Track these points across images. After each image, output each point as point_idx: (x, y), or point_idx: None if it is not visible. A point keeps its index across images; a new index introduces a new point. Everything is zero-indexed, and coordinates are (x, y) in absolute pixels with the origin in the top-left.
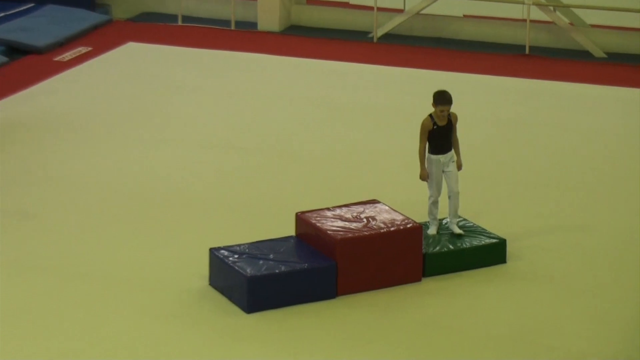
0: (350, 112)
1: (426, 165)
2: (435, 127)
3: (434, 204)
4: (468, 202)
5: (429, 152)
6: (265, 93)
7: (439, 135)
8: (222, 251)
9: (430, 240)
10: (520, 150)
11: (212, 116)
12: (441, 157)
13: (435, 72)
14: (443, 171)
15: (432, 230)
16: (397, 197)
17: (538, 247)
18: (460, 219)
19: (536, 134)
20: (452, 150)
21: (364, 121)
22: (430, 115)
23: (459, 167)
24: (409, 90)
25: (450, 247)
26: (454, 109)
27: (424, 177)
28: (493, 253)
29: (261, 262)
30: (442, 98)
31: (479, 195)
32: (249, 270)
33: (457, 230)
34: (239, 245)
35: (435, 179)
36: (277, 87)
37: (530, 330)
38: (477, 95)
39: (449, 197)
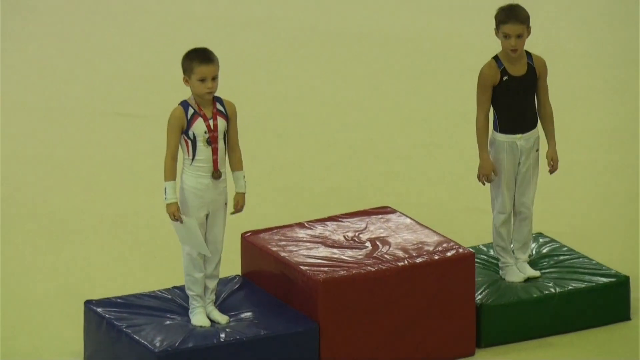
0: (342, 50)
1: (490, 153)
2: (505, 78)
3: (506, 224)
4: (560, 216)
5: (494, 128)
6: (197, 13)
7: (514, 96)
8: (108, 308)
9: (494, 286)
10: None
11: (97, 57)
12: (518, 139)
13: None
14: (519, 164)
15: (512, 275)
16: (423, 202)
17: None
18: (538, 243)
19: None
20: (537, 128)
21: (364, 66)
22: (496, 57)
23: (554, 164)
24: (441, 9)
25: (526, 294)
26: (529, 46)
27: (486, 172)
28: (605, 302)
29: (181, 325)
30: (505, 10)
31: (578, 203)
32: (158, 342)
33: (531, 272)
34: (137, 296)
35: (505, 179)
36: (219, 4)
37: None
38: (562, 16)
39: (515, 216)
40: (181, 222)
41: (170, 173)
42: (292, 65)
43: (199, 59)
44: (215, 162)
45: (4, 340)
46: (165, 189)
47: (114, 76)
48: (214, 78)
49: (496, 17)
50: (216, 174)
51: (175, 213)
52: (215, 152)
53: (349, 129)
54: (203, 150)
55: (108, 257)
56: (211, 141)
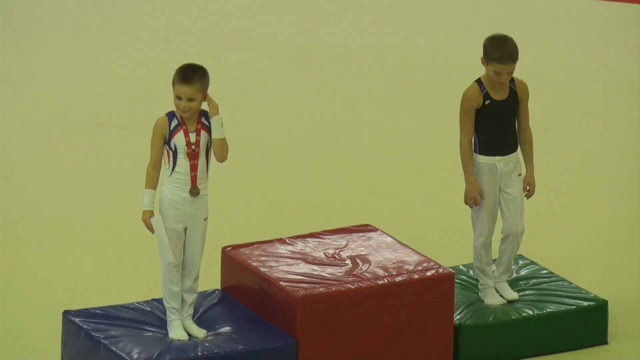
0: (327, 67)
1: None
2: (487, 102)
3: (486, 247)
4: (539, 239)
5: (474, 150)
6: (186, 27)
7: (496, 119)
8: (86, 318)
9: (473, 306)
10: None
11: (70, 68)
12: (497, 161)
13: None
14: (501, 189)
15: (491, 298)
16: (405, 221)
17: None
18: (518, 265)
19: None
20: (518, 151)
21: (350, 84)
22: (478, 81)
23: (530, 189)
24: (427, 28)
25: (505, 316)
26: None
27: (473, 195)
28: (584, 326)
29: (159, 338)
30: (499, 49)
31: (558, 226)
32: (136, 354)
33: (511, 295)
34: (116, 307)
35: (487, 203)
36: (208, 19)
37: None
38: (544, 40)
39: (503, 240)
40: (152, 231)
41: (150, 181)
42: (277, 81)
43: (179, 77)
44: (193, 178)
45: None
46: (144, 196)
47: (102, 87)
48: (190, 100)
49: (487, 52)
50: (194, 191)
51: (147, 221)
52: (194, 168)
53: (332, 146)
54: (183, 164)
55: (89, 267)
56: (190, 157)
